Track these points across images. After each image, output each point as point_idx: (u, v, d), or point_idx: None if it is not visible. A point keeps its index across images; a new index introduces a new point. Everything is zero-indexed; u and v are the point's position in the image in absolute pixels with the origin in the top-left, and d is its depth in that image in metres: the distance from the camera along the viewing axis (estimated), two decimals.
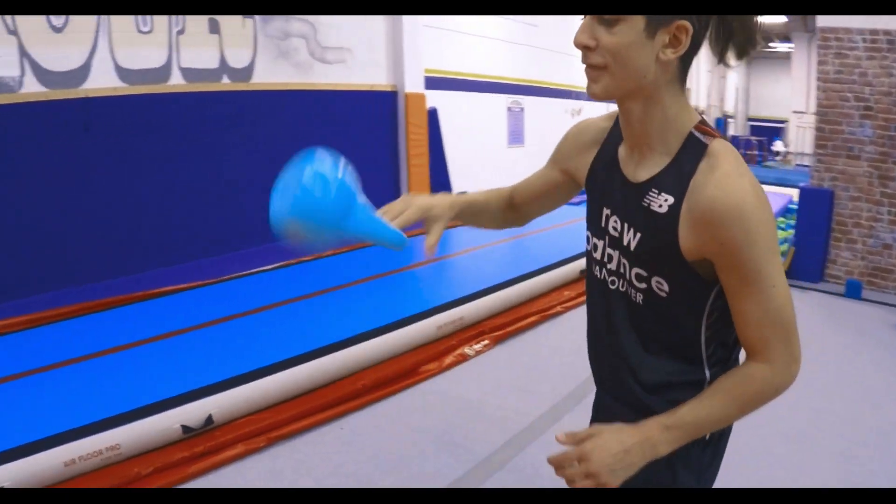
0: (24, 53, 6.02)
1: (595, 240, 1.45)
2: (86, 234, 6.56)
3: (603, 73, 1.21)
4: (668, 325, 1.33)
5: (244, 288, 5.90)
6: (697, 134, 1.24)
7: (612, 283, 1.41)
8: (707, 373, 1.34)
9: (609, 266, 1.41)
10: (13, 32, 5.94)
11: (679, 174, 1.23)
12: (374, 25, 8.66)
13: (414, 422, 3.81)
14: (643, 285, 1.33)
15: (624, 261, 1.36)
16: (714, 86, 24.84)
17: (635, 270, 1.33)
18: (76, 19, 6.24)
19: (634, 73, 1.19)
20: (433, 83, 9.32)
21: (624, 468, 1.21)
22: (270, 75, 7.55)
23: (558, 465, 1.25)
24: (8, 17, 5.86)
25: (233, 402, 3.74)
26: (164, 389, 3.75)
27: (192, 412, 3.60)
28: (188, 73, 6.99)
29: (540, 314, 5.52)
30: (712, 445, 1.40)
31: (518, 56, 11.95)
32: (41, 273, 6.29)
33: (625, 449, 1.21)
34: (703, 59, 19.39)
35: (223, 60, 7.18)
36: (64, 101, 6.31)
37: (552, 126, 11.35)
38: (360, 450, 3.52)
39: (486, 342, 4.84)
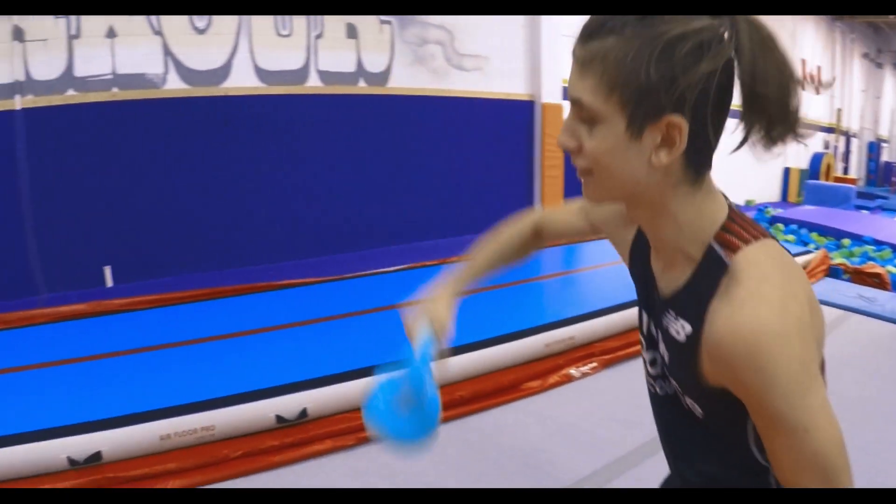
0: (167, 52, 6.44)
1: (640, 323, 1.27)
2: (217, 223, 6.90)
3: (590, 178, 1.04)
4: (718, 436, 1.14)
5: (361, 287, 6.02)
6: (717, 247, 1.01)
7: (658, 386, 1.25)
8: (773, 482, 1.12)
9: (652, 371, 1.25)
10: (158, 32, 6.37)
11: (697, 297, 1.01)
12: (511, 33, 8.65)
13: (503, 440, 3.74)
14: (678, 401, 1.18)
15: (664, 374, 1.20)
16: (868, 106, 23.20)
17: (672, 385, 1.17)
18: (218, 21, 6.61)
19: (624, 181, 1.01)
20: None
21: None
22: (406, 80, 7.68)
23: None
24: (153, 18, 6.31)
25: (328, 399, 3.82)
26: (265, 379, 3.89)
27: (288, 404, 3.72)
28: (325, 76, 7.23)
29: None
30: None
31: None
32: (174, 257, 6.66)
33: None
34: (857, 75, 18.25)
35: (360, 64, 7.38)
36: (205, 98, 6.70)
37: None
38: (442, 461, 3.49)
39: (595, 364, 4.68)
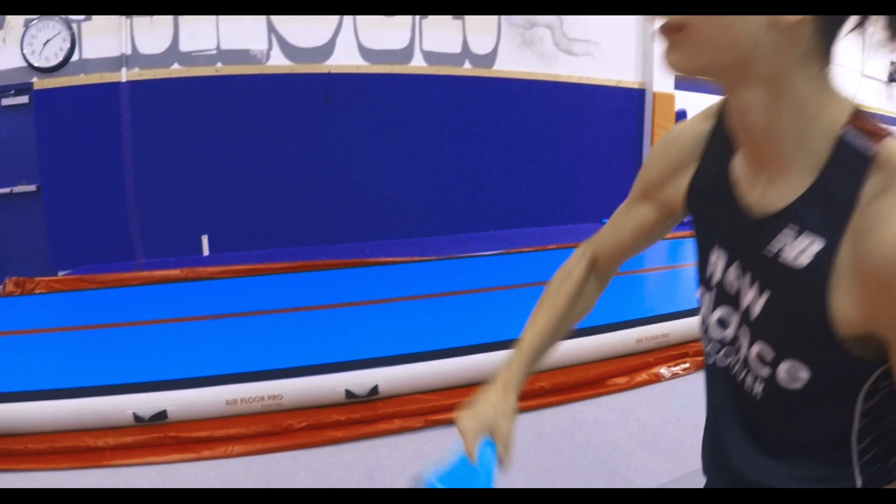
0: (272, 29, 6.46)
1: (702, 295, 1.03)
2: (314, 199, 6.93)
3: (681, 35, 0.78)
4: (800, 421, 0.90)
5: (452, 270, 5.92)
6: (853, 138, 0.77)
7: (720, 357, 1.01)
8: (858, 478, 0.89)
9: (717, 335, 1.00)
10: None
11: (830, 203, 0.78)
12: (622, 18, 8.28)
13: (581, 436, 3.51)
14: (766, 371, 0.90)
15: (742, 330, 0.94)
16: None
17: (757, 347, 0.90)
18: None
19: (733, 38, 0.75)
20: (684, 83, 8.76)
21: None
22: (513, 63, 7.47)
23: None
24: None
25: (401, 378, 3.70)
26: (339, 353, 3.82)
27: (359, 379, 3.61)
28: (430, 57, 7.12)
29: None
30: None
31: None
32: (270, 230, 6.74)
33: None
34: None
35: (465, 46, 7.23)
36: (308, 74, 6.71)
37: None
38: (513, 454, 3.29)
39: (688, 365, 4.36)
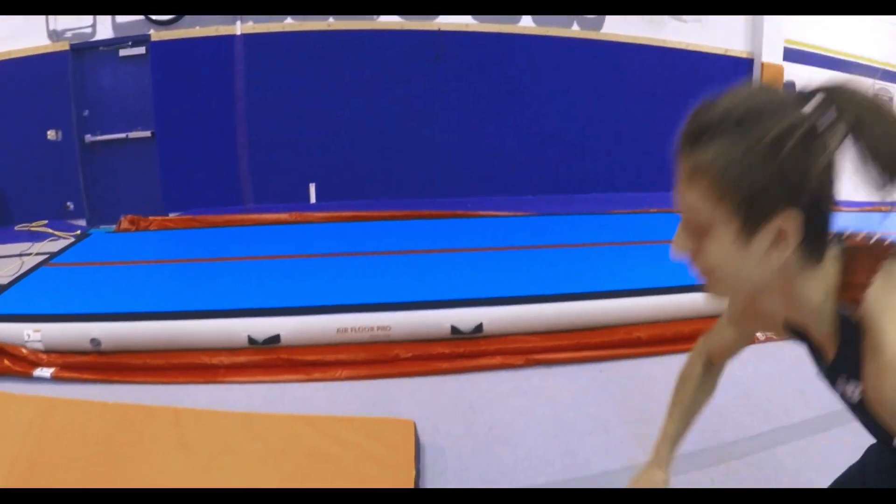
0: None
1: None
2: (421, 154, 7.07)
3: (711, 280, 1.01)
4: None
5: (556, 225, 5.96)
6: (844, 310, 0.96)
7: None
8: None
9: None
10: None
11: (852, 363, 0.98)
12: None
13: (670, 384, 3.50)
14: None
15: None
16: None
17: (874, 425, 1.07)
18: None
19: (744, 280, 0.98)
20: (793, 55, 8.42)
21: None
22: (621, 27, 7.37)
23: None
24: None
25: (505, 317, 3.79)
26: (447, 291, 3.99)
27: (465, 317, 3.73)
28: (539, 18, 7.08)
29: None
30: None
31: None
32: (376, 182, 6.95)
33: None
34: None
35: None
36: (418, 31, 6.78)
37: None
38: (606, 394, 3.34)
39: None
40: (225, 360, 3.48)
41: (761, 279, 0.97)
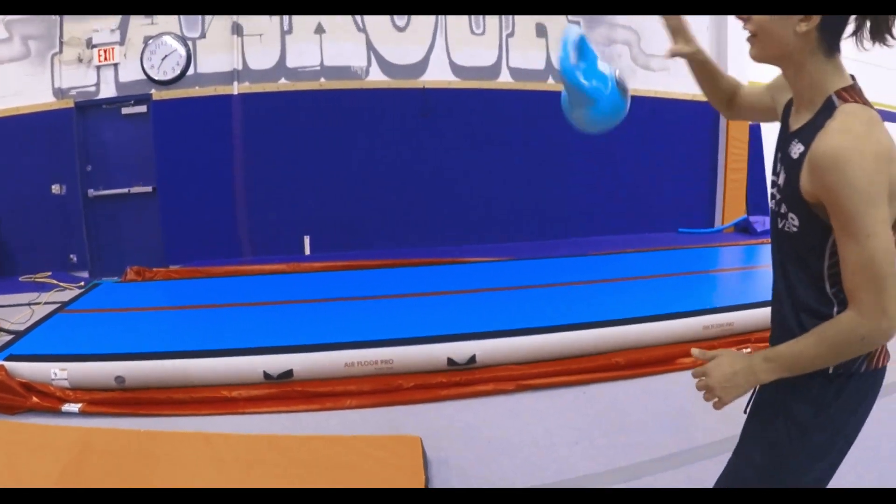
0: (370, 48, 7.16)
1: (772, 176, 1.63)
2: (410, 206, 7.53)
3: (755, 40, 1.46)
4: (801, 259, 1.50)
5: (539, 268, 6.43)
6: (835, 98, 1.39)
7: (776, 218, 1.57)
8: (835, 309, 1.46)
9: (774, 202, 1.58)
10: (362, 30, 7.09)
11: (813, 128, 1.40)
12: (697, 34, 8.57)
13: (651, 403, 3.85)
14: (783, 219, 1.51)
15: (778, 196, 1.55)
16: None
17: (782, 206, 1.51)
18: (417, 20, 7.26)
19: (777, 42, 1.42)
20: None
21: (732, 387, 1.49)
22: None
23: (694, 374, 1.55)
24: (358, 17, 7.07)
25: (496, 349, 4.17)
26: (442, 327, 4.36)
27: (460, 349, 4.11)
28: (516, 73, 7.64)
29: None
30: (836, 383, 1.49)
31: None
32: (368, 233, 7.37)
33: (733, 371, 1.48)
34: None
35: (549, 62, 7.69)
36: (404, 90, 7.30)
37: None
38: (590, 413, 3.71)
39: (749, 350, 4.68)
40: (244, 393, 3.81)
41: (790, 44, 1.39)
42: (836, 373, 1.47)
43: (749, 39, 1.47)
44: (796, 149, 1.45)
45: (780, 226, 1.53)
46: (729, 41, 8.51)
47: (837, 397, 1.49)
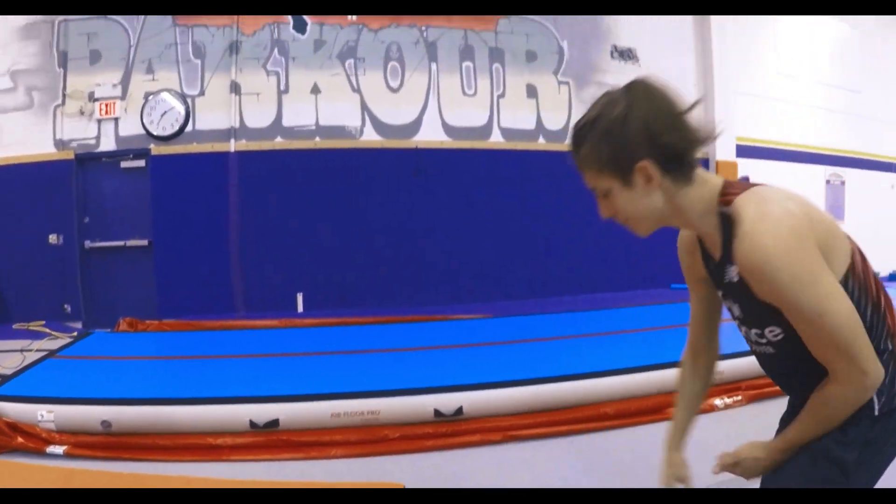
0: (364, 108, 7.36)
1: (730, 316, 1.65)
2: (404, 265, 7.61)
3: (630, 223, 1.49)
4: (793, 357, 1.49)
5: (527, 324, 6.44)
6: (722, 207, 1.42)
7: (759, 348, 1.59)
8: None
9: (747, 334, 1.60)
10: (357, 90, 7.25)
11: (729, 245, 1.42)
12: (686, 91, 8.72)
13: (639, 449, 3.84)
14: (763, 340, 1.53)
15: (745, 327, 1.57)
16: None
17: (755, 331, 1.54)
18: (410, 81, 7.47)
19: (647, 213, 1.45)
20: (745, 151, 9.14)
21: (761, 469, 1.60)
22: None
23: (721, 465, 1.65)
24: (353, 78, 7.30)
25: (482, 401, 4.17)
26: (428, 379, 4.40)
27: (447, 401, 4.11)
28: (507, 133, 7.82)
29: None
30: (881, 422, 1.47)
31: (838, 125, 10.67)
32: (361, 291, 7.43)
33: (755, 458, 1.59)
34: None
35: (539, 122, 7.88)
36: (397, 149, 7.50)
37: (876, 202, 10.60)
38: (578, 464, 3.70)
39: (740, 398, 4.69)
40: (228, 440, 3.80)
41: (656, 208, 1.44)
42: (881, 412, 1.46)
43: (626, 226, 1.51)
44: (731, 271, 1.45)
45: (767, 352, 1.56)
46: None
47: (884, 435, 1.49)
